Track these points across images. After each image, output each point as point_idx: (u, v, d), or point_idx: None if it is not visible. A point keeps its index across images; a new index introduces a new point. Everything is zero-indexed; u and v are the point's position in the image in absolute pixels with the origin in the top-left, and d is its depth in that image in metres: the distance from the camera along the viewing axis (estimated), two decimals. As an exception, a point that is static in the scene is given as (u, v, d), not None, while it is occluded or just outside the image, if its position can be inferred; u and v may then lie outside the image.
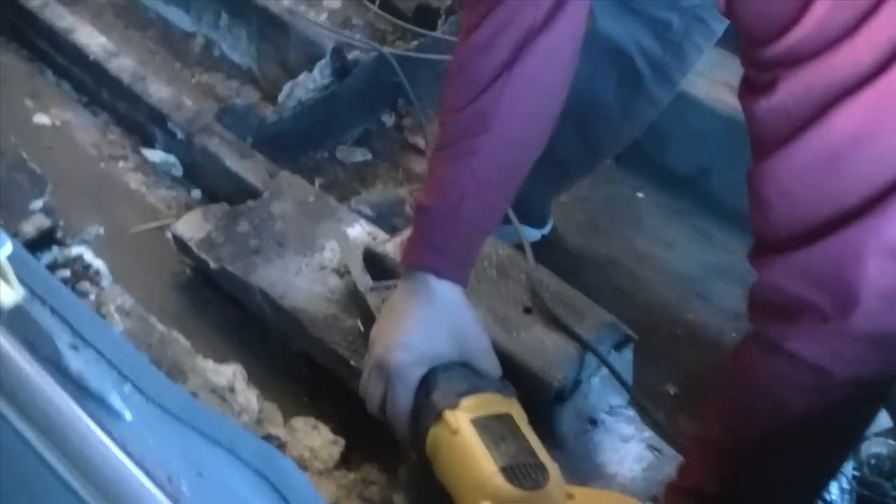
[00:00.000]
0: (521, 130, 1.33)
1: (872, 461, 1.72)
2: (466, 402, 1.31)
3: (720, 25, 1.72)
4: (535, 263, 1.62)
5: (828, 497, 1.55)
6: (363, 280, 1.60)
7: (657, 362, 1.79)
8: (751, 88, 0.89)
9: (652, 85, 1.78)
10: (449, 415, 1.30)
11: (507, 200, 1.41)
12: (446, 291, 1.36)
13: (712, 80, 2.04)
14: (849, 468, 1.63)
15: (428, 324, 1.35)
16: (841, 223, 0.86)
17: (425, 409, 1.33)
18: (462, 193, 1.32)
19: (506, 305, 1.59)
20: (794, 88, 0.83)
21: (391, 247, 1.66)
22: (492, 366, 1.39)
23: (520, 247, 1.68)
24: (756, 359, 1.00)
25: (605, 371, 1.56)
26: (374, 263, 1.66)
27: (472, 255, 1.40)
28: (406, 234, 1.61)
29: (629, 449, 1.54)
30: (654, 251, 2.14)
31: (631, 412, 1.58)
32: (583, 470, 1.50)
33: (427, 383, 1.34)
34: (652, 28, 1.70)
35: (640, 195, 2.23)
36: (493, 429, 1.29)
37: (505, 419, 1.31)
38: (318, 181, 2.22)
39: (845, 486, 1.64)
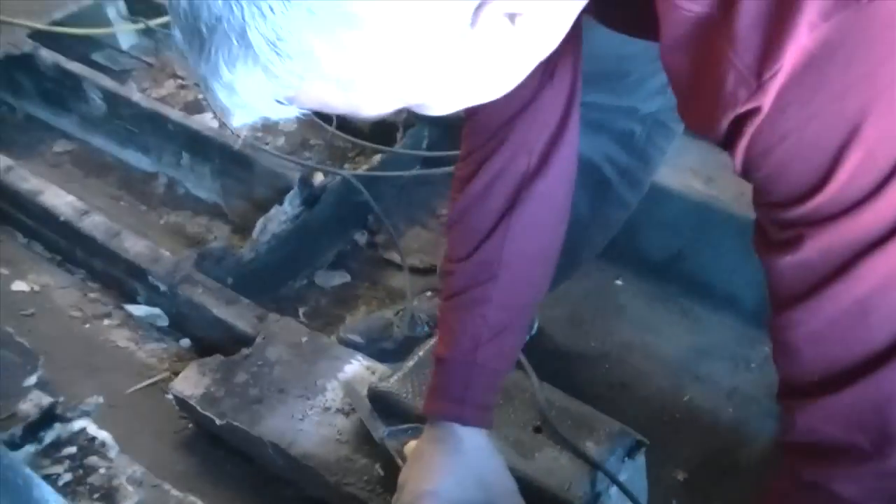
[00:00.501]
0: (527, 273, 1.35)
1: None
2: None
3: (680, 126, 1.77)
4: (539, 382, 1.65)
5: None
6: (377, 427, 1.61)
7: (662, 450, 1.81)
8: (770, 243, 0.90)
9: (621, 190, 1.82)
10: None
11: (521, 339, 1.44)
12: (471, 438, 1.38)
13: (676, 167, 2.08)
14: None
15: (455, 472, 1.36)
16: (873, 366, 0.88)
17: None
18: (476, 341, 1.35)
19: (516, 428, 1.60)
20: (819, 245, 0.84)
21: (395, 382, 1.68)
22: None
23: (519, 365, 1.70)
24: (795, 498, 1.02)
25: (622, 478, 1.58)
26: (381, 401, 1.67)
27: (493, 396, 1.41)
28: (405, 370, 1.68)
29: (657, 555, 1.55)
30: (642, 338, 2.17)
31: (654, 518, 1.60)
32: (615, 583, 1.52)
33: None
34: (617, 138, 1.74)
35: (619, 283, 2.27)
36: None
37: None
38: (301, 310, 2.23)
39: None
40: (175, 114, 2.54)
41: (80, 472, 1.64)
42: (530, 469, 1.53)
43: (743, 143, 0.82)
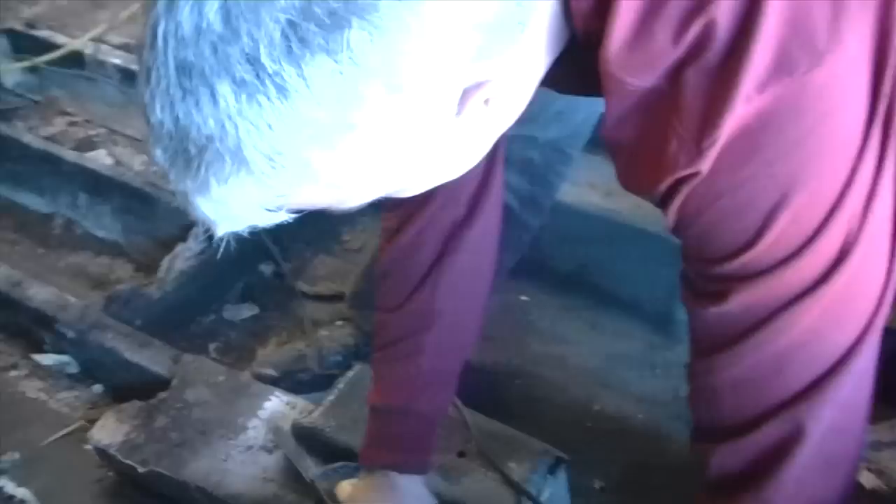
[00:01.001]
0: (460, 320, 1.37)
1: None
2: None
3: (577, 151, 1.83)
4: (461, 405, 1.68)
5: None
6: (306, 466, 1.63)
7: (577, 460, 1.86)
8: (697, 294, 0.95)
9: (524, 215, 1.87)
10: None
11: (454, 385, 1.45)
12: (408, 486, 1.40)
13: (575, 183, 2.13)
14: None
15: None
16: (783, 407, 0.94)
17: None
18: (411, 390, 1.37)
19: (441, 453, 1.63)
20: (744, 299, 0.90)
21: (318, 417, 1.70)
22: None
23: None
24: None
25: (545, 496, 1.62)
26: (306, 437, 1.69)
27: (429, 443, 1.43)
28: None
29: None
30: (552, 351, 2.22)
31: (578, 531, 1.64)
32: None
33: None
34: (517, 167, 1.79)
35: (524, 298, 2.32)
36: None
37: None
38: (212, 346, 2.23)
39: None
40: (69, 153, 2.50)
41: (3, 532, 1.61)
42: (458, 494, 1.57)
43: (677, 202, 0.86)
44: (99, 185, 2.43)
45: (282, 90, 0.67)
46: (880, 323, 0.94)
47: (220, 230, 0.76)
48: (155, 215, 2.35)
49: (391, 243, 1.34)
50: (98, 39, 2.76)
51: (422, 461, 1.42)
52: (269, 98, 0.67)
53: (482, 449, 1.62)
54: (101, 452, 1.76)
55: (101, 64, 2.72)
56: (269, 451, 1.73)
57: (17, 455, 1.81)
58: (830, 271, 0.87)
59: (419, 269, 1.32)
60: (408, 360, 1.36)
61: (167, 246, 2.28)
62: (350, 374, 1.79)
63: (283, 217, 0.76)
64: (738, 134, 0.80)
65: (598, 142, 0.92)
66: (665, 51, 0.79)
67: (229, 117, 0.68)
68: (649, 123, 0.84)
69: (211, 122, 0.68)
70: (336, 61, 0.67)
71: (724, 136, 0.80)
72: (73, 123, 2.78)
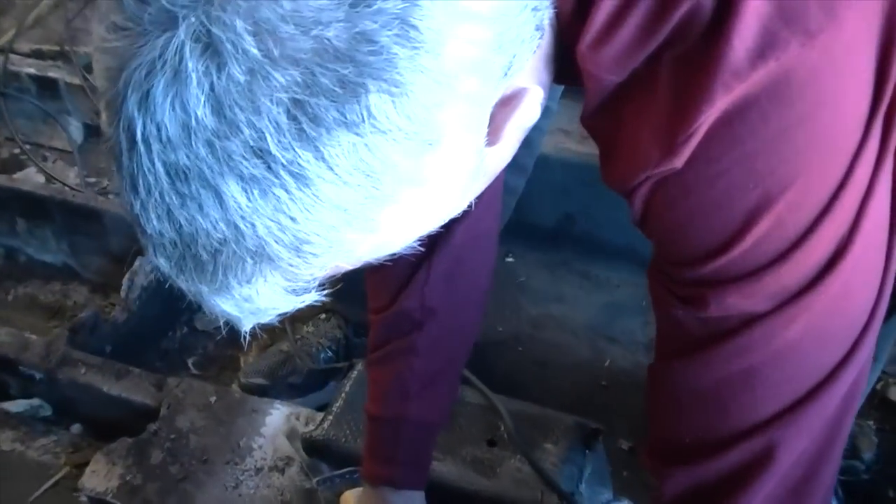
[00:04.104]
0: (455, 317, 1.25)
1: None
2: None
3: (555, 104, 1.71)
4: (486, 388, 1.57)
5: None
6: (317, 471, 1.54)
7: (598, 422, 1.77)
8: (667, 293, 0.85)
9: (508, 178, 1.74)
10: None
11: (452, 391, 1.34)
12: (404, 502, 1.29)
13: (549, 131, 2.02)
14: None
15: None
16: (751, 433, 0.84)
17: None
18: (405, 395, 1.25)
19: (470, 446, 1.52)
20: (719, 306, 0.80)
21: (329, 427, 1.57)
22: None
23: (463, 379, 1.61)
24: None
25: (588, 472, 1.52)
26: (320, 450, 1.56)
27: (428, 453, 1.33)
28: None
29: (639, 540, 1.51)
30: (549, 311, 2.11)
31: (625, 501, 1.55)
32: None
33: None
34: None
35: (510, 259, 2.20)
36: None
37: None
38: (190, 361, 2.09)
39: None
40: (-4, 178, 2.31)
41: None
42: (498, 487, 1.47)
43: (643, 193, 0.78)
44: (35, 207, 2.24)
45: (301, 178, 0.59)
46: (870, 342, 0.84)
47: (246, 325, 0.69)
48: (103, 230, 2.18)
49: None
50: (6, 49, 2.56)
51: (418, 473, 1.31)
52: (287, 190, 0.59)
53: (513, 435, 1.51)
54: (98, 501, 1.60)
55: (15, 76, 2.52)
56: (282, 471, 1.59)
57: (4, 520, 1.66)
58: (815, 281, 0.77)
59: (407, 266, 1.20)
60: (399, 363, 1.24)
61: (122, 260, 2.13)
62: (353, 373, 1.66)
63: (315, 297, 0.68)
64: (716, 125, 0.70)
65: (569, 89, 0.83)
66: (642, 42, 0.71)
67: (243, 218, 0.59)
68: (625, 117, 0.77)
69: (222, 226, 0.60)
70: (358, 134, 0.59)
71: (701, 131, 0.70)
72: (-8, 143, 2.59)
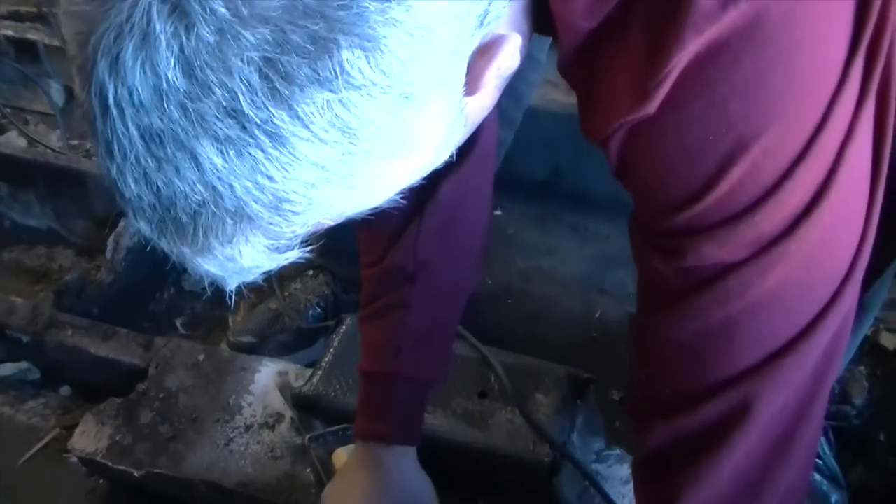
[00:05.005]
0: (448, 271, 1.24)
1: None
2: None
3: (544, 55, 1.69)
4: (476, 341, 1.56)
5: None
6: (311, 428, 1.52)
7: (593, 381, 1.76)
8: (647, 244, 0.84)
9: (498, 132, 1.74)
10: None
11: (446, 349, 1.32)
12: (396, 461, 1.28)
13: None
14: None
15: (376, 500, 1.27)
16: (729, 385, 0.84)
17: None
18: (397, 351, 1.24)
19: (460, 399, 1.51)
20: (696, 256, 0.79)
21: (319, 382, 1.56)
22: None
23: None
24: None
25: (579, 422, 1.52)
26: (311, 406, 1.55)
27: (421, 410, 1.32)
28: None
29: (632, 489, 1.49)
30: (537, 263, 2.10)
31: (617, 451, 1.54)
32: (600, 528, 1.46)
33: None
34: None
35: (498, 213, 2.18)
36: None
37: None
38: (178, 322, 2.07)
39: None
40: (-24, 141, 2.28)
41: (-3, 569, 1.45)
42: (490, 439, 1.46)
43: (619, 139, 0.77)
44: (18, 171, 2.21)
45: (276, 137, 0.59)
46: (851, 294, 0.83)
47: (231, 284, 0.69)
48: (86, 193, 2.16)
49: None
50: (-18, 12, 2.53)
51: (410, 430, 1.31)
52: (262, 150, 0.59)
53: (505, 386, 1.50)
54: (88, 462, 1.60)
55: (-7, 40, 2.48)
56: (272, 427, 1.58)
57: (-5, 483, 1.65)
58: (792, 229, 0.76)
59: (399, 221, 1.19)
60: (391, 319, 1.23)
61: (107, 224, 2.11)
62: (342, 328, 1.65)
63: (297, 254, 0.68)
64: (688, 69, 0.69)
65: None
66: None
67: (220, 179, 0.59)
68: (600, 65, 0.75)
69: (200, 188, 0.59)
70: (332, 90, 0.58)
71: (673, 75, 0.69)
72: (-31, 109, 2.55)
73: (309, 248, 0.69)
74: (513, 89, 1.68)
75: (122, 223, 2.04)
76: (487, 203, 1.27)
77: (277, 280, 2.00)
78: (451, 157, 1.10)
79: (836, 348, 0.85)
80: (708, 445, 0.86)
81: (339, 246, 1.89)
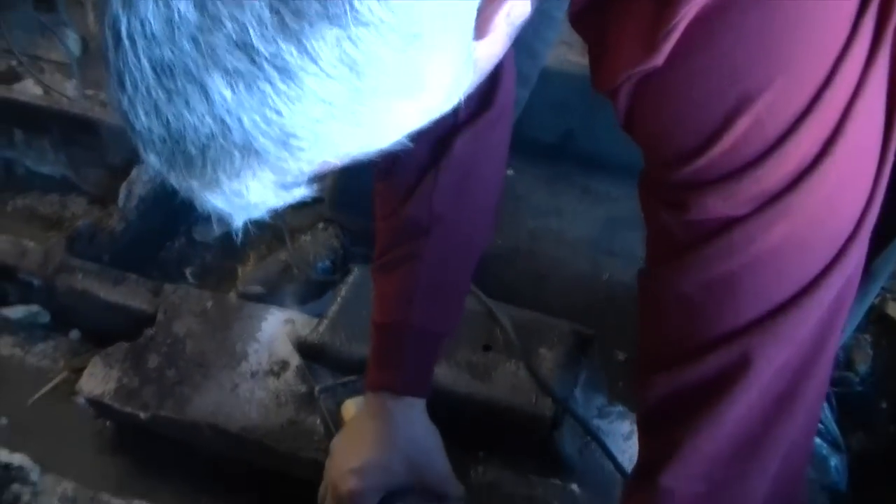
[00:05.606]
0: (462, 224, 1.25)
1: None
2: None
3: (561, 12, 1.68)
4: (482, 294, 1.57)
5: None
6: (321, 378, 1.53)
7: (596, 334, 1.77)
8: (655, 198, 0.84)
9: (513, 91, 1.74)
10: None
11: (459, 303, 1.33)
12: (404, 412, 1.29)
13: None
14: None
15: (384, 450, 1.27)
16: (730, 338, 0.84)
17: None
18: (409, 302, 1.24)
19: (465, 350, 1.53)
20: (701, 209, 0.80)
21: (325, 330, 1.57)
22: (452, 487, 1.32)
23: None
24: None
25: (583, 378, 1.53)
26: (315, 354, 1.57)
27: (430, 363, 1.32)
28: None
29: (633, 445, 1.51)
30: (547, 224, 2.10)
31: (619, 407, 1.56)
32: (600, 482, 1.47)
33: None
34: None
35: (510, 173, 2.19)
36: None
37: None
38: (188, 271, 2.08)
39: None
40: (-7, 89, 2.29)
41: (4, 504, 1.47)
42: (492, 391, 1.48)
43: (627, 91, 0.77)
44: (32, 118, 2.22)
45: (285, 72, 0.59)
46: (856, 253, 0.83)
47: (238, 221, 0.69)
48: (100, 142, 2.16)
49: None
50: (1, -40, 2.53)
51: (420, 382, 1.31)
52: (271, 83, 0.59)
53: (509, 339, 1.51)
54: (95, 403, 1.62)
55: (10, -14, 2.48)
56: (277, 375, 1.60)
57: (3, 420, 1.67)
58: (795, 184, 0.76)
59: (415, 171, 1.20)
60: (404, 270, 1.24)
61: (120, 172, 2.11)
62: (350, 279, 1.66)
63: (304, 192, 0.69)
64: (695, 20, 0.69)
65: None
66: None
67: (229, 112, 0.60)
68: (610, 17, 0.76)
69: (209, 120, 0.60)
70: (341, 27, 0.59)
71: (681, 27, 0.70)
72: (-12, 56, 2.56)
73: (316, 187, 0.70)
74: (529, 47, 1.69)
75: (134, 171, 2.05)
76: (504, 159, 1.28)
77: (288, 232, 2.01)
78: (460, 104, 1.11)
79: (839, 307, 0.85)
80: (708, 399, 0.87)
81: (350, 200, 1.91)
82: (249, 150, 0.62)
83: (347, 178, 1.90)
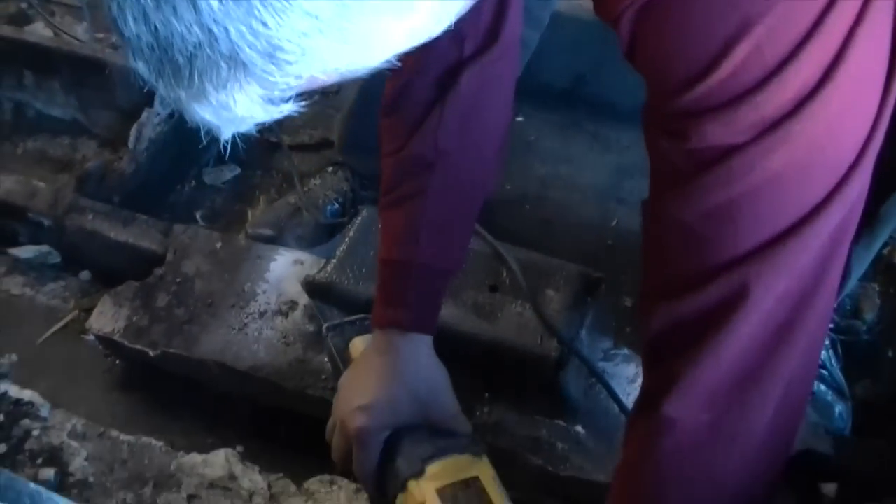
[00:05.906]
0: (468, 161, 1.25)
1: (835, 305, 1.78)
2: (432, 468, 1.23)
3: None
4: (489, 236, 1.57)
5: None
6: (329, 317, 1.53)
7: (604, 279, 1.78)
8: (657, 128, 0.84)
9: (524, 33, 1.73)
10: (413, 486, 1.22)
11: (464, 240, 1.33)
12: (411, 348, 1.29)
13: (562, -13, 1.99)
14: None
15: (391, 387, 1.27)
16: (730, 267, 0.84)
17: (390, 475, 1.25)
18: (415, 238, 1.25)
19: (472, 291, 1.53)
20: (701, 138, 0.79)
21: (332, 270, 1.58)
22: (459, 424, 1.32)
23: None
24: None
25: (589, 320, 1.53)
26: (323, 293, 1.57)
27: (437, 299, 1.32)
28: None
29: (638, 388, 1.51)
30: (557, 170, 2.10)
31: (625, 350, 1.56)
32: (604, 424, 1.48)
33: (391, 448, 1.25)
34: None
35: (520, 119, 2.18)
36: (459, 498, 1.21)
37: (473, 484, 1.24)
38: (198, 214, 2.09)
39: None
40: (3, 29, 2.28)
41: (14, 440, 1.49)
42: (498, 331, 1.48)
43: (628, 18, 0.77)
44: (42, 59, 2.21)
45: None
46: (858, 183, 0.82)
47: (226, 133, 0.68)
48: (111, 84, 2.15)
49: (392, 83, 1.22)
50: None
51: (426, 319, 1.31)
52: None
53: (516, 280, 1.51)
54: (105, 341, 1.63)
55: (18, -73, 2.47)
56: (286, 315, 1.61)
57: (14, 357, 1.69)
58: (795, 111, 0.76)
59: (420, 107, 1.20)
60: (410, 205, 1.24)
61: (131, 115, 2.10)
62: (358, 219, 1.67)
63: (292, 107, 0.67)
64: None
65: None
66: None
67: (216, 21, 0.59)
68: None
69: (196, 29, 0.59)
70: None
71: None
72: (-5, -2, 2.55)
73: (302, 103, 0.69)
74: (540, -13, 1.67)
75: (145, 113, 2.05)
76: (509, 97, 1.27)
77: (297, 175, 2.01)
78: (464, 37, 1.11)
79: (841, 238, 0.85)
80: (708, 328, 0.87)
81: (359, 142, 1.91)
82: (236, 62, 0.62)
83: (356, 121, 1.89)
